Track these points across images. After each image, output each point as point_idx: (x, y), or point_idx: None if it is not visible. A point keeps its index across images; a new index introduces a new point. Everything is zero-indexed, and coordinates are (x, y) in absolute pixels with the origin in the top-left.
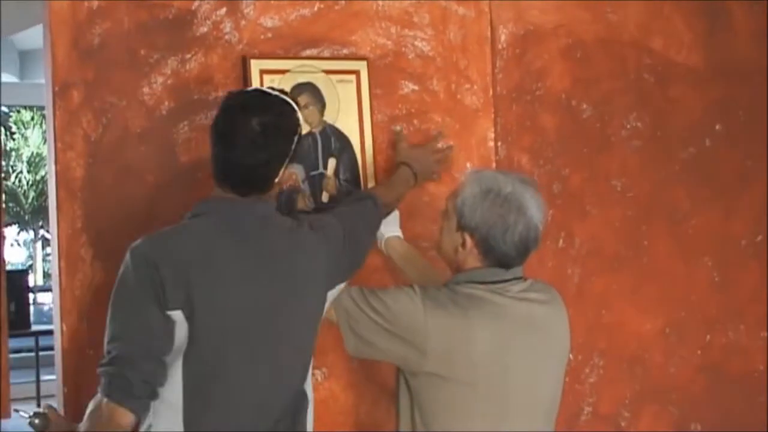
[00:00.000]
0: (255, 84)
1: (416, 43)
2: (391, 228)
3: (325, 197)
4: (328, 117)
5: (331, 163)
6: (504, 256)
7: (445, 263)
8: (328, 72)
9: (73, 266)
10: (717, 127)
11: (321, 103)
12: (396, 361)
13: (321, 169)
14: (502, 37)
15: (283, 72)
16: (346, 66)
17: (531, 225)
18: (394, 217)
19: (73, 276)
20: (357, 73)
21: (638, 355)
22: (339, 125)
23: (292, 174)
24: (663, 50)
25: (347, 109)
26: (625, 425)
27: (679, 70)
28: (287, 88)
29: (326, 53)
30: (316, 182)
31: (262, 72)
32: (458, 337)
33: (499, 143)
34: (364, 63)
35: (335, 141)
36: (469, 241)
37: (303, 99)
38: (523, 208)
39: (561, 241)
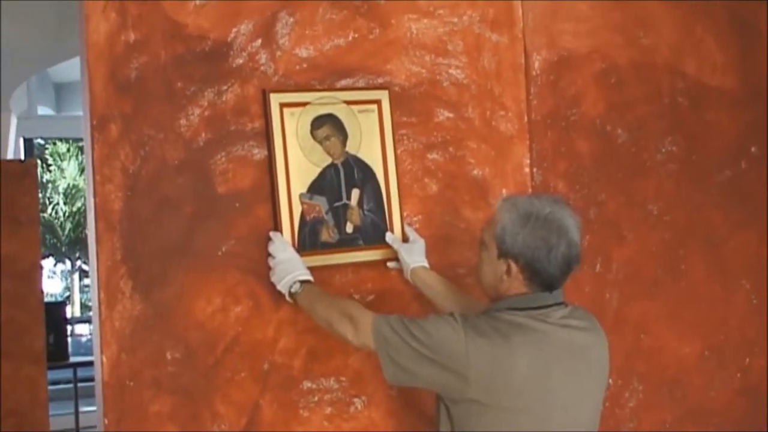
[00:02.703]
0: (275, 117)
1: (450, 70)
2: (416, 258)
3: (349, 228)
4: (350, 147)
5: (355, 193)
6: (549, 278)
7: (486, 293)
8: (348, 102)
9: (112, 298)
10: (752, 149)
11: (343, 134)
12: (437, 388)
13: (344, 200)
14: (536, 64)
15: (303, 104)
16: (367, 96)
17: (572, 243)
18: (420, 247)
19: (113, 307)
20: (378, 102)
21: (678, 378)
22: (361, 155)
23: (316, 206)
24: (696, 73)
25: (369, 139)
26: None
27: (713, 93)
28: (308, 121)
29: (361, 82)
30: (340, 213)
31: (282, 105)
32: (500, 363)
33: (535, 169)
34: (386, 92)
35: (358, 171)
36: (514, 267)
37: (324, 131)
38: (563, 228)
39: (598, 266)
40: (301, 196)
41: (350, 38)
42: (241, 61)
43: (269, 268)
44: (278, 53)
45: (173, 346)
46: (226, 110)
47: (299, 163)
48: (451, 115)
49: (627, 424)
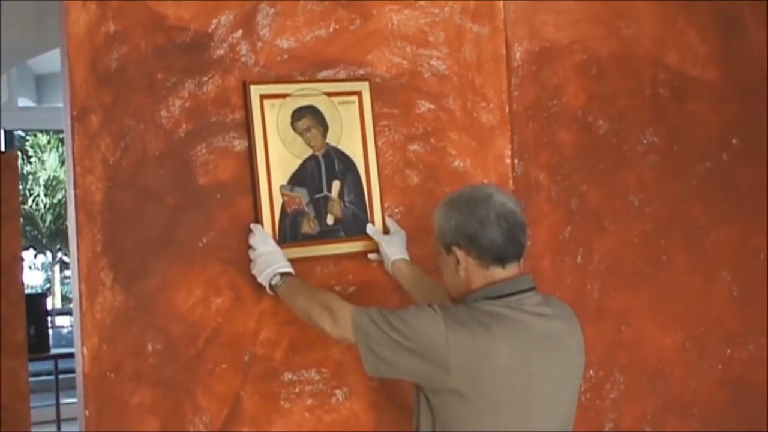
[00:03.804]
0: (255, 108)
1: (432, 62)
2: (397, 250)
3: (330, 220)
4: (331, 139)
5: (336, 185)
6: (496, 248)
7: (458, 300)
8: (329, 94)
9: (93, 289)
10: (734, 141)
11: (323, 126)
12: (417, 379)
13: (325, 192)
14: (518, 55)
15: (283, 96)
16: (348, 87)
17: (505, 208)
18: (400, 239)
19: (94, 299)
20: (359, 94)
21: (659, 370)
22: (342, 147)
23: (297, 198)
24: (678, 65)
25: (350, 131)
26: None
27: (694, 84)
28: (288, 113)
29: (342, 74)
30: (320, 205)
31: (263, 97)
32: (481, 353)
33: (516, 160)
34: (366, 84)
35: (339, 163)
36: (459, 252)
37: (305, 122)
38: (487, 197)
39: (579, 257)
40: (281, 188)
41: (331, 29)
42: (221, 52)
43: (250, 261)
44: (259, 44)
45: (154, 337)
46: (207, 101)
47: (280, 155)
48: (432, 106)
49: (608, 415)
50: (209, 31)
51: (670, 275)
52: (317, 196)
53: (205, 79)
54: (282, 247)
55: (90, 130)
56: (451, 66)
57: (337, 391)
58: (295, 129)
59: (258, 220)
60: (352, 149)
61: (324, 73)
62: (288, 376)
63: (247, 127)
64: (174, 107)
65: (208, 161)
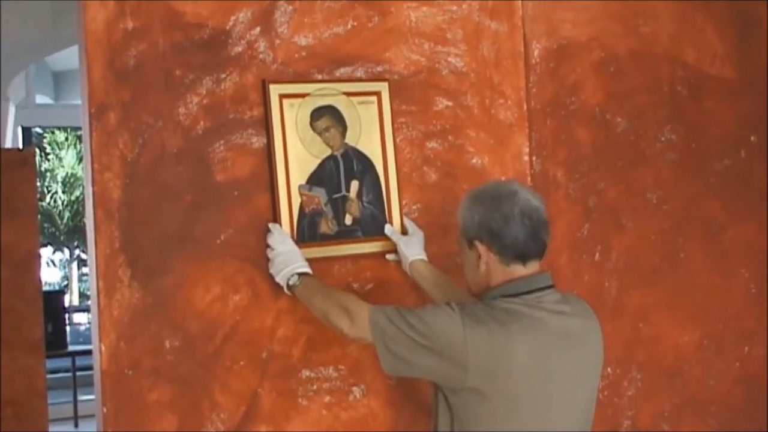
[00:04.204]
0: (274, 108)
1: (450, 59)
2: (415, 251)
3: (348, 220)
4: (350, 139)
5: (354, 185)
6: (518, 245)
7: (476, 294)
8: (348, 94)
9: (111, 286)
10: (752, 138)
11: (342, 126)
12: (435, 378)
13: (344, 192)
14: (536, 52)
15: (302, 96)
16: (367, 87)
17: (529, 206)
18: (419, 239)
19: (112, 296)
20: (378, 94)
21: (676, 367)
22: (361, 147)
23: (315, 197)
24: (696, 62)
25: (369, 131)
26: None
27: (712, 82)
28: (307, 112)
29: (360, 71)
30: (339, 205)
31: (282, 96)
32: (499, 351)
33: (534, 158)
34: (386, 84)
35: (357, 163)
36: (481, 247)
37: (324, 122)
38: (512, 192)
39: (597, 254)
40: (300, 187)
41: (349, 26)
42: (239, 49)
43: (268, 260)
44: (277, 41)
45: (172, 334)
46: (225, 98)
47: (298, 155)
48: (450, 103)
49: (626, 412)
50: (227, 28)
51: (687, 273)
52: (335, 196)
53: (223, 76)
54: (300, 247)
55: (108, 127)
56: (469, 63)
57: (354, 389)
58: (314, 128)
59: (276, 219)
60: (371, 149)
61: (342, 71)
62: (306, 373)
63: (266, 127)
64: (192, 104)
65: (226, 158)
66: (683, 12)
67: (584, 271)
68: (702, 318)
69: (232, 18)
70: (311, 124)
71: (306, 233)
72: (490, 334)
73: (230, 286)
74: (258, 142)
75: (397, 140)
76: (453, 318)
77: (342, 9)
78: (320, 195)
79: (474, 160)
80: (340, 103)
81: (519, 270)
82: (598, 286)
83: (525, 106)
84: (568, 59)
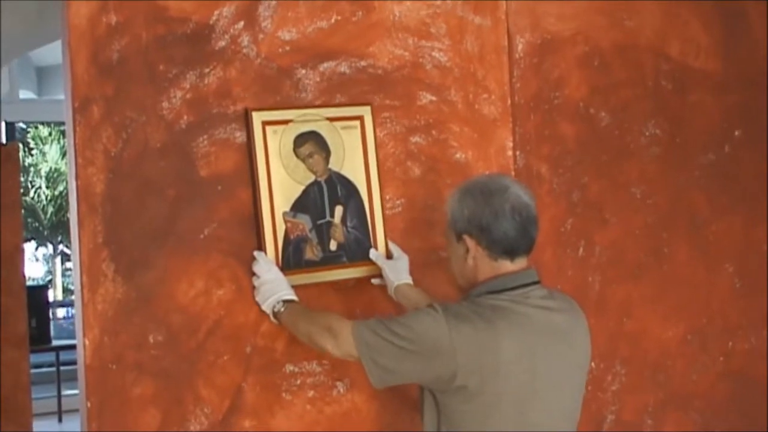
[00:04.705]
0: (257, 135)
1: (434, 53)
2: (400, 275)
3: (333, 245)
4: (334, 164)
5: (338, 210)
6: (507, 240)
7: (462, 288)
8: (331, 119)
9: (95, 281)
10: (736, 132)
11: (326, 151)
12: (426, 381)
13: (328, 218)
14: (519, 46)
15: (285, 122)
16: (350, 112)
17: (520, 202)
18: (404, 263)
19: (95, 290)
20: (361, 118)
21: (660, 362)
22: (345, 172)
23: (300, 224)
24: (680, 56)
25: (352, 156)
26: None
27: (697, 75)
28: (291, 138)
29: (344, 65)
30: (323, 231)
31: (265, 123)
32: (486, 348)
33: (518, 152)
34: (368, 108)
35: (341, 188)
36: (469, 241)
37: (307, 148)
38: (503, 188)
39: (581, 249)
40: (284, 214)
41: (333, 21)
42: (223, 43)
43: (253, 288)
44: (261, 36)
45: (156, 329)
46: (209, 93)
47: (282, 182)
48: (433, 98)
49: (609, 407)
50: (210, 22)
51: (672, 267)
52: (320, 221)
53: (207, 70)
54: (285, 274)
55: (91, 121)
56: (452, 58)
57: (338, 383)
58: (297, 155)
59: (261, 246)
60: (355, 174)
61: (325, 65)
62: (289, 367)
63: (249, 154)
64: (175, 99)
65: (210, 153)
66: (667, 5)
67: (568, 266)
68: (686, 313)
69: (216, 12)
70: (295, 150)
71: (291, 260)
72: (476, 332)
73: (214, 280)
74: (241, 137)
75: (381, 135)
76: (437, 319)
77: (326, 4)
78: (305, 221)
79: (458, 155)
80: (323, 129)
81: (507, 265)
82: (582, 281)
83: (509, 101)
84: (552, 53)
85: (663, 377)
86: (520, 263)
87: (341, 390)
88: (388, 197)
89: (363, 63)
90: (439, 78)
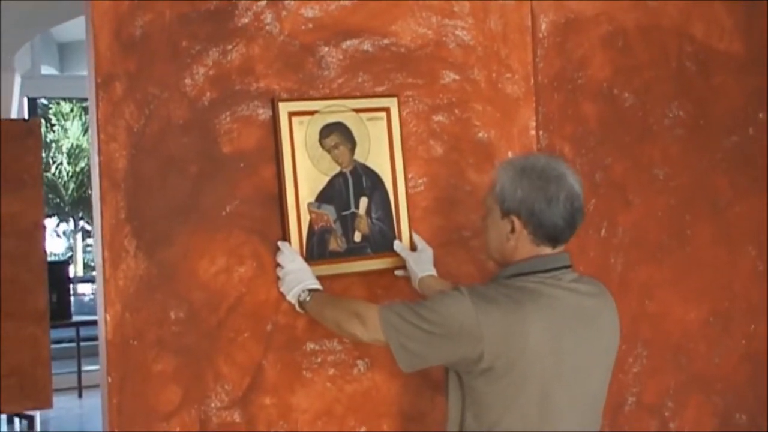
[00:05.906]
0: (284, 126)
1: (457, 32)
2: (424, 267)
3: (357, 237)
4: (359, 156)
5: (363, 202)
6: (554, 228)
7: (494, 260)
8: (357, 110)
9: (116, 257)
10: (760, 115)
11: (351, 143)
12: (454, 364)
13: (353, 209)
14: (543, 26)
15: (311, 113)
16: (376, 103)
17: (573, 192)
18: (428, 255)
19: (117, 266)
20: (387, 110)
21: (682, 344)
22: (370, 164)
23: (324, 215)
24: (704, 38)
25: (378, 147)
26: (669, 415)
27: (720, 57)
28: (316, 129)
29: (366, 44)
30: (348, 222)
31: (291, 114)
32: (513, 331)
33: (541, 132)
34: (395, 99)
35: (366, 180)
36: (517, 223)
37: (333, 139)
38: (560, 176)
39: (603, 230)
40: (309, 205)
41: None
42: (246, 20)
43: (278, 278)
44: (284, 13)
45: (177, 305)
46: (231, 70)
47: (308, 172)
48: (457, 77)
49: (630, 389)
50: None
51: (694, 249)
52: (345, 213)
53: (230, 47)
54: (310, 265)
55: (114, 97)
56: (476, 36)
57: (359, 362)
58: (323, 146)
59: (286, 237)
60: (380, 166)
61: (348, 43)
62: (310, 345)
63: (275, 144)
64: (198, 75)
65: (232, 130)
66: None
67: (590, 247)
68: (708, 295)
69: None
70: (320, 141)
71: (315, 251)
72: (504, 314)
73: (235, 257)
74: (264, 114)
75: (404, 113)
76: (463, 302)
77: None
78: (329, 212)
79: (480, 134)
80: (349, 120)
81: (546, 251)
82: (604, 262)
83: (532, 81)
84: (575, 33)
85: (685, 360)
86: (559, 249)
87: (362, 369)
88: (410, 176)
89: (386, 41)
90: (462, 57)
